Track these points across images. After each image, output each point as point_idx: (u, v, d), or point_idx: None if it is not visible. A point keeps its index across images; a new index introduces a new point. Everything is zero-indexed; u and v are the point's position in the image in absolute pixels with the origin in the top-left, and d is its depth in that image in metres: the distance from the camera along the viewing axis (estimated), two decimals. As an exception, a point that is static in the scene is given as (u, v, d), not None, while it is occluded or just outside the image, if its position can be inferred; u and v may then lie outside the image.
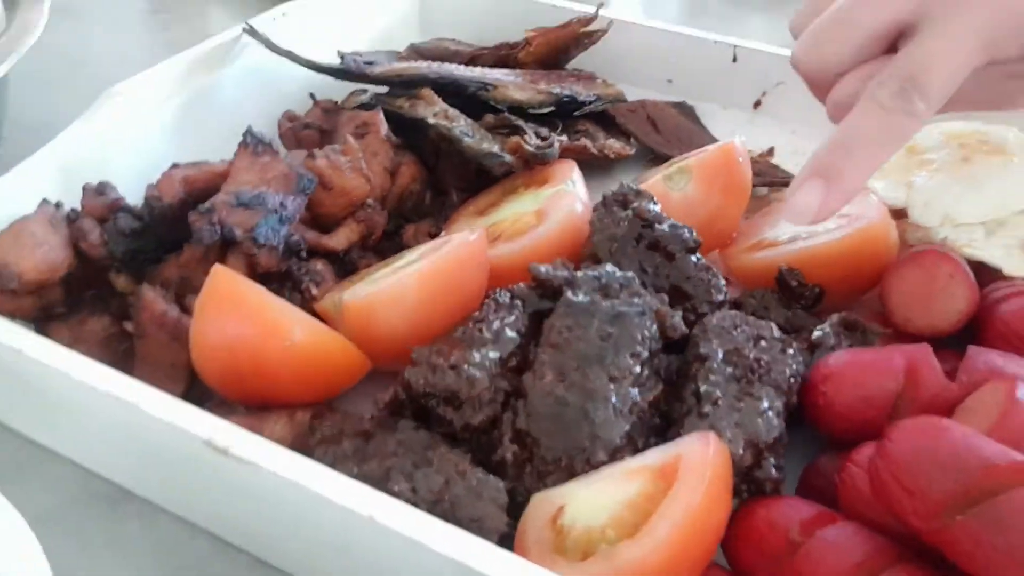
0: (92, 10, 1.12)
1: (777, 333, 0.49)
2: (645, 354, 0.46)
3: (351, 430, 0.47)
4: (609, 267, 0.50)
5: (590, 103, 0.79)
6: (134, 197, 0.60)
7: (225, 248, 0.56)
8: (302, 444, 0.48)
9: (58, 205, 0.57)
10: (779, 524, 0.40)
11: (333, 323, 0.54)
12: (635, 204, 0.56)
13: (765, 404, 0.44)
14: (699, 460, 0.39)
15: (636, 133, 0.78)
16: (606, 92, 0.81)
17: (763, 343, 0.48)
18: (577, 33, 0.82)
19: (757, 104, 0.83)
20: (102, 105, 0.67)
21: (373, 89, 0.77)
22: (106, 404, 0.46)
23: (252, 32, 0.76)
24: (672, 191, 0.63)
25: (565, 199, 0.61)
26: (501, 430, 0.45)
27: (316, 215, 0.63)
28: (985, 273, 0.56)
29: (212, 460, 0.43)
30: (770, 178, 0.72)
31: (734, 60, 0.83)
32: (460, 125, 0.68)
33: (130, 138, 0.68)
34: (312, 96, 0.79)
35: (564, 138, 0.69)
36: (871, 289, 0.60)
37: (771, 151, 0.79)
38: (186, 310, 0.54)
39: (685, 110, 0.83)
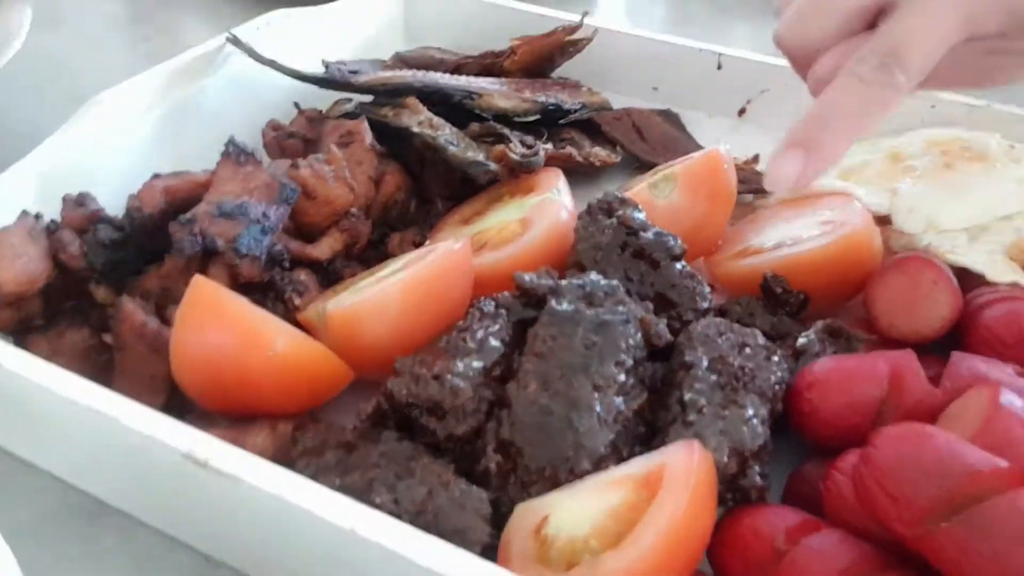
0: (74, 19, 1.11)
1: (762, 340, 0.49)
2: (630, 362, 0.46)
3: (333, 441, 0.46)
4: (593, 275, 0.50)
5: (575, 111, 0.79)
6: (116, 207, 0.60)
7: (207, 259, 0.56)
8: (284, 456, 0.48)
9: (38, 216, 0.57)
10: (764, 532, 0.40)
11: (316, 333, 0.54)
12: (620, 212, 0.56)
13: (750, 412, 0.44)
14: (683, 468, 0.39)
15: (622, 141, 0.78)
16: (591, 100, 0.81)
17: (748, 350, 0.47)
18: (562, 41, 0.82)
19: (742, 111, 0.83)
20: (84, 114, 0.67)
21: (358, 98, 0.77)
22: (85, 417, 0.45)
23: (235, 41, 0.76)
24: (657, 199, 0.63)
25: (550, 207, 0.61)
26: (485, 440, 0.45)
27: (300, 224, 0.62)
28: (968, 279, 0.57)
29: (192, 473, 0.43)
30: (755, 185, 0.72)
31: (719, 68, 0.83)
32: (445, 134, 0.68)
33: (112, 148, 0.67)
34: (296, 105, 0.78)
35: (549, 146, 0.69)
36: (855, 296, 0.60)
37: (756, 158, 0.79)
38: (166, 322, 0.53)
39: (670, 118, 0.83)
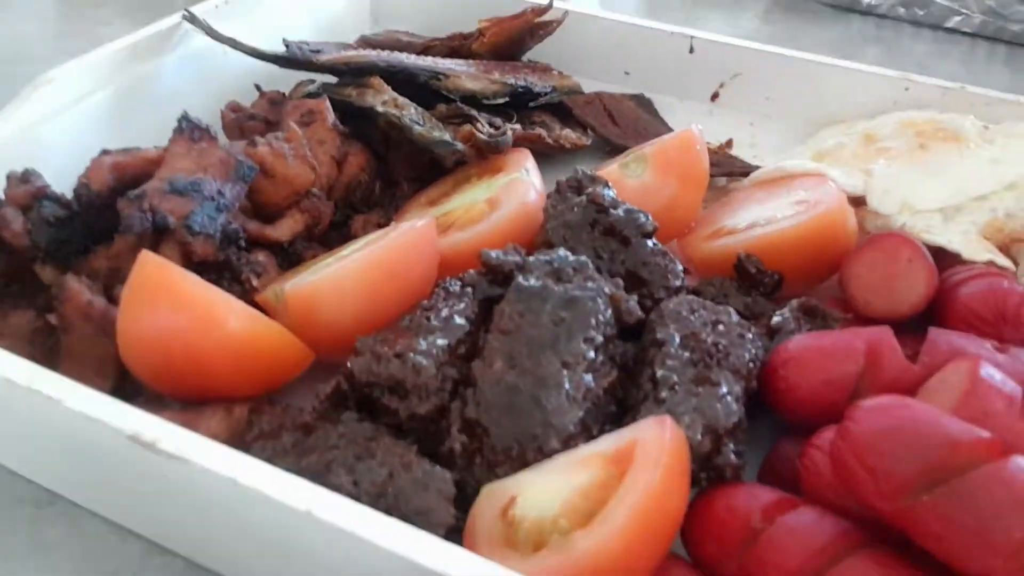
0: (28, 3, 1.08)
1: (735, 317, 0.47)
2: (599, 339, 0.44)
3: (291, 423, 0.44)
4: (562, 251, 0.48)
5: (546, 94, 0.77)
6: (65, 188, 0.57)
7: (158, 237, 0.54)
8: (240, 440, 0.46)
9: (-21, 193, 0.54)
10: (740, 511, 0.38)
11: (275, 314, 0.51)
12: (590, 189, 0.54)
13: (724, 389, 0.43)
14: (655, 445, 0.37)
15: (593, 124, 0.77)
16: (562, 84, 0.79)
17: (721, 327, 0.46)
18: (532, 23, 0.80)
19: (715, 96, 0.82)
20: (31, 93, 0.64)
21: (321, 79, 0.75)
22: (29, 401, 0.43)
23: (192, 19, 0.73)
24: (628, 178, 0.61)
25: (519, 187, 0.59)
26: (449, 420, 0.43)
27: (258, 205, 0.60)
28: (943, 258, 0.56)
29: (140, 457, 0.40)
30: (728, 168, 0.71)
31: (691, 51, 0.82)
32: (410, 113, 0.66)
33: (61, 129, 0.64)
34: (258, 87, 0.76)
35: (518, 127, 0.67)
36: (830, 276, 0.59)
37: (729, 143, 0.78)
38: (115, 302, 0.51)
39: (643, 102, 0.82)
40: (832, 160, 0.67)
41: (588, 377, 0.43)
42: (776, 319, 0.50)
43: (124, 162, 0.56)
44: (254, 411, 0.46)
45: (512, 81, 0.75)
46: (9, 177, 0.55)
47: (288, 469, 0.40)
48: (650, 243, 0.52)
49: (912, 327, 0.50)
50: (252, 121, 0.72)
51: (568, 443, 0.41)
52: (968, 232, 0.58)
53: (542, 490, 0.39)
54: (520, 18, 0.80)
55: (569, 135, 0.73)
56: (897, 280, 0.50)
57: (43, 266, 0.53)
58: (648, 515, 0.35)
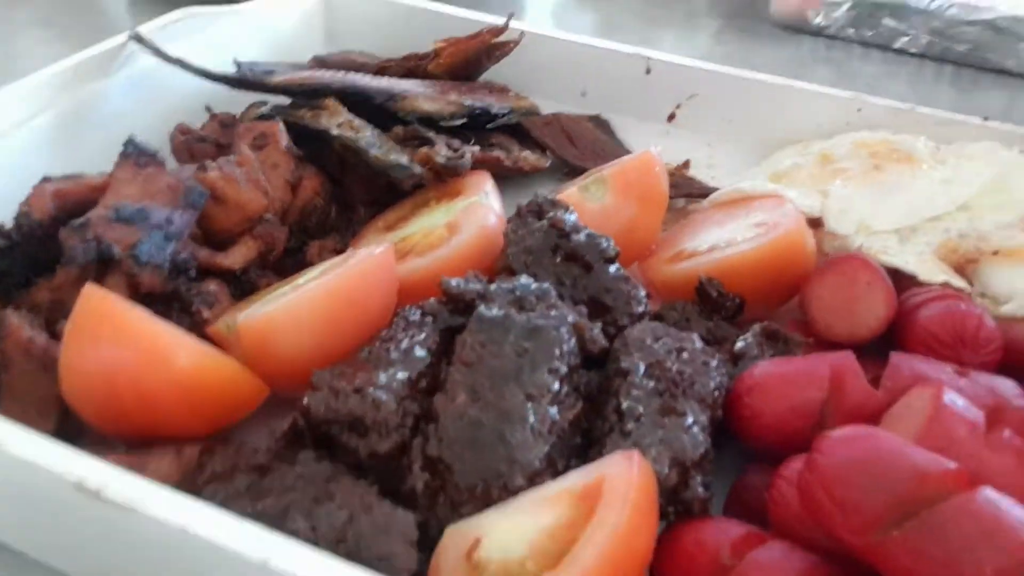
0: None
1: (699, 344, 0.47)
2: (564, 370, 0.43)
3: (245, 464, 0.42)
4: (524, 279, 0.47)
5: (504, 115, 0.76)
6: (6, 218, 0.54)
7: (103, 269, 0.51)
8: (191, 483, 0.44)
9: (-88, 224, 0.51)
10: (709, 546, 0.38)
11: (227, 347, 0.50)
12: (551, 214, 0.53)
13: (690, 419, 0.42)
14: (622, 481, 0.37)
15: (551, 146, 0.76)
16: (519, 105, 0.79)
17: (685, 355, 0.45)
18: (488, 43, 0.79)
19: (671, 117, 0.82)
20: (-33, 117, 0.62)
21: (274, 101, 0.73)
22: (-37, 444, 0.41)
23: (139, 39, 0.71)
24: (588, 202, 0.61)
25: (478, 211, 0.59)
26: (411, 457, 0.41)
27: (209, 231, 0.58)
28: (900, 279, 0.56)
29: (86, 505, 0.38)
30: (687, 190, 0.71)
31: (647, 72, 0.82)
32: (366, 136, 0.65)
33: (0, 154, 0.62)
34: (208, 108, 0.74)
35: (476, 149, 0.67)
36: (790, 298, 0.59)
37: (687, 163, 0.78)
38: (57, 337, 0.48)
39: (600, 123, 0.82)
40: (789, 181, 0.68)
41: (553, 410, 0.42)
42: (740, 344, 0.49)
43: (67, 189, 0.54)
44: (206, 451, 0.45)
45: (469, 102, 0.74)
46: (-56, 207, 0.53)
47: (243, 514, 0.38)
48: (612, 268, 0.51)
49: (872, 350, 0.50)
50: (202, 144, 0.70)
51: (534, 480, 0.40)
52: (923, 253, 0.59)
53: (508, 531, 0.38)
54: (476, 38, 0.79)
55: (528, 157, 0.72)
56: (857, 303, 0.50)
57: (-20, 300, 0.51)
58: (617, 555, 0.35)
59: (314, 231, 0.65)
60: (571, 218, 0.53)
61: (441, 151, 0.65)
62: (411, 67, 0.79)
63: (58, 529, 0.42)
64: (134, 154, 0.55)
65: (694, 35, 1.22)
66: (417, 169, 0.63)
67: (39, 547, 0.45)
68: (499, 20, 0.83)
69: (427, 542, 0.40)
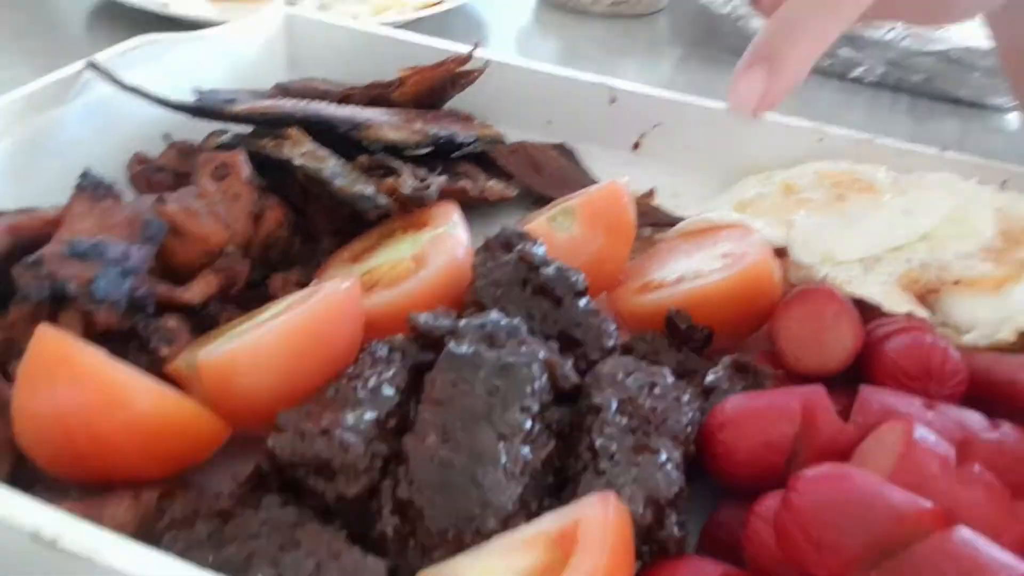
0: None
1: (671, 379, 0.47)
2: (536, 407, 0.43)
3: (206, 510, 0.41)
4: (494, 314, 0.47)
5: (469, 144, 0.76)
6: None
7: (57, 306, 0.50)
8: (149, 530, 0.42)
9: None
10: (686, 588, 0.37)
11: (187, 386, 0.48)
12: (519, 246, 0.53)
13: (663, 456, 0.42)
14: (598, 525, 0.36)
15: (517, 175, 0.76)
16: (484, 133, 0.78)
17: (657, 390, 0.45)
18: (453, 72, 0.79)
19: (636, 145, 0.83)
20: (-86, 147, 0.60)
21: (235, 130, 0.72)
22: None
23: (95, 67, 0.69)
24: (556, 232, 0.60)
25: (445, 243, 0.58)
26: (380, 501, 0.40)
27: (168, 265, 0.56)
28: (865, 310, 0.56)
29: (40, 556, 0.37)
30: (653, 219, 0.71)
31: (612, 101, 0.82)
32: (330, 166, 0.64)
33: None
34: (166, 137, 0.73)
35: (443, 179, 0.66)
36: (757, 329, 0.59)
37: (651, 192, 0.78)
38: (10, 379, 0.47)
39: (565, 152, 0.82)
40: (754, 211, 0.68)
41: (525, 449, 0.41)
42: (710, 378, 0.49)
43: (21, 224, 0.52)
44: (165, 496, 0.43)
45: (435, 131, 0.74)
46: None
47: (204, 563, 0.37)
48: (582, 302, 0.51)
49: (838, 381, 0.50)
50: (160, 173, 0.68)
51: (507, 523, 0.39)
52: (887, 283, 0.59)
53: (482, 574, 0.37)
54: (441, 67, 0.79)
55: (494, 186, 0.72)
56: (825, 335, 0.50)
57: (-72, 339, 0.49)
58: (595, 602, 0.34)
59: (277, 263, 0.63)
60: (540, 251, 0.53)
61: (407, 181, 0.64)
62: (375, 95, 0.79)
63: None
64: (90, 186, 0.53)
65: (657, 63, 1.23)
66: (383, 200, 0.62)
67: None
68: (463, 48, 0.83)
69: (397, 588, 0.39)
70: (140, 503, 0.43)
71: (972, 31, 1.02)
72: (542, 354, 0.45)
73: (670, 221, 0.70)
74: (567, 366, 0.46)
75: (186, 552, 0.39)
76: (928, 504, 0.34)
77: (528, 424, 0.42)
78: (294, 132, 0.67)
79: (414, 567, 0.39)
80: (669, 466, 0.41)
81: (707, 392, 0.49)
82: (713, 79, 1.13)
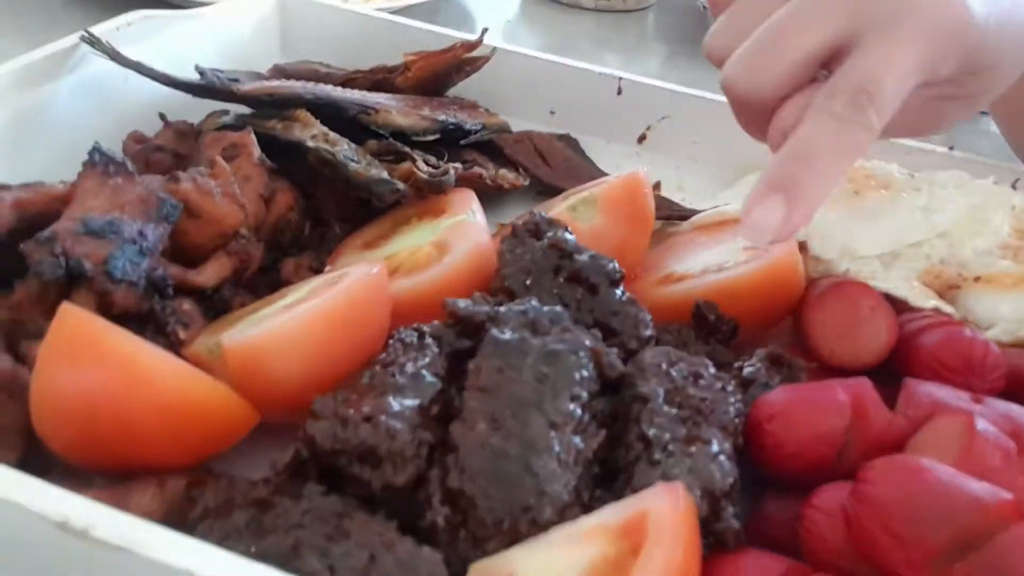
0: None
1: (713, 370, 0.46)
2: (585, 396, 0.41)
3: (242, 499, 0.39)
4: (535, 301, 0.45)
5: (476, 132, 0.74)
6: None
7: (68, 286, 0.47)
8: (176, 519, 0.40)
9: None
10: (750, 581, 0.36)
11: (208, 371, 0.46)
12: (550, 233, 0.51)
13: (715, 447, 0.41)
14: (669, 517, 0.35)
15: (526, 165, 0.74)
16: (490, 122, 0.77)
17: (702, 381, 0.44)
18: (460, 58, 0.77)
19: (642, 138, 0.82)
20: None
21: (235, 111, 0.70)
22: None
23: (92, 41, 0.66)
24: (578, 222, 0.59)
25: (468, 229, 0.56)
26: (428, 490, 0.39)
27: (179, 247, 0.54)
28: (892, 304, 0.56)
29: (70, 547, 0.34)
30: (666, 211, 0.70)
31: (619, 93, 0.81)
32: (343, 149, 0.62)
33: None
34: (162, 116, 0.70)
35: (459, 166, 0.64)
36: (779, 322, 0.58)
37: (657, 185, 0.77)
38: (21, 360, 0.44)
39: (570, 142, 0.81)
40: (768, 205, 0.68)
41: (577, 439, 0.40)
42: (748, 370, 0.48)
43: (27, 199, 0.49)
44: (194, 485, 0.41)
45: (443, 118, 0.72)
46: None
47: (246, 554, 0.35)
48: (618, 291, 0.50)
49: (868, 376, 0.50)
50: (160, 153, 0.66)
51: (563, 513, 0.38)
52: (908, 279, 0.59)
53: (542, 567, 0.35)
54: (449, 53, 0.77)
55: (506, 175, 0.71)
56: (861, 329, 0.50)
57: (-70, 319, 0.46)
58: (671, 594, 0.33)
59: (287, 248, 0.61)
60: (571, 238, 0.52)
61: (423, 167, 0.62)
62: (379, 80, 0.77)
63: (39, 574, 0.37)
64: (101, 163, 0.51)
65: (645, 59, 1.23)
66: (400, 185, 0.60)
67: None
68: (457, 35, 0.81)
69: (447, 581, 0.37)
70: (165, 491, 0.41)
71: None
72: (588, 342, 0.43)
73: (684, 214, 0.70)
74: (612, 355, 0.44)
75: (223, 542, 0.37)
76: (1008, 495, 0.33)
77: (579, 413, 0.41)
78: (303, 114, 0.65)
79: (465, 559, 0.37)
80: (722, 457, 0.40)
81: (745, 384, 0.48)
82: (702, 76, 1.12)
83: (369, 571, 0.35)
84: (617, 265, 0.51)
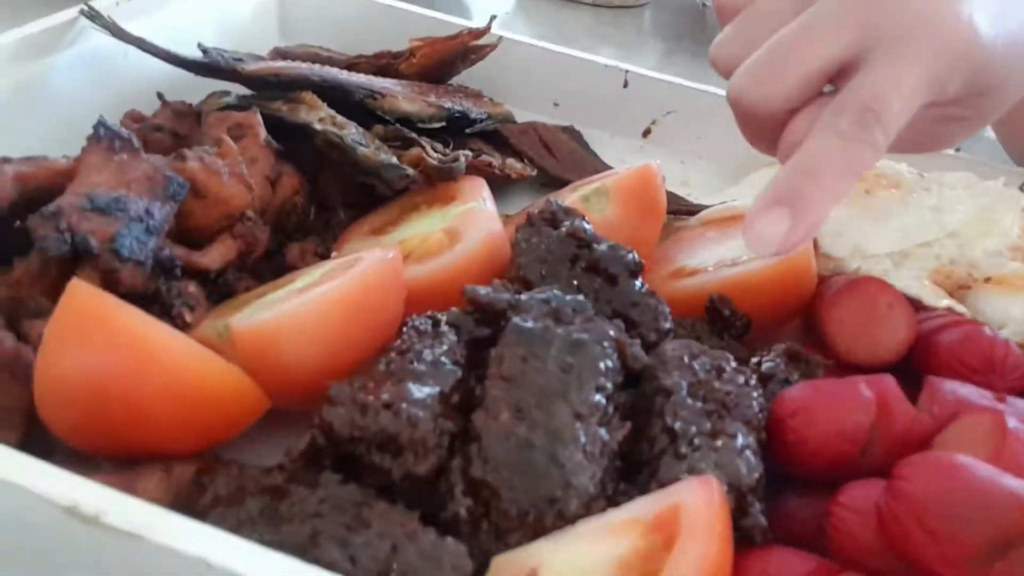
0: None
1: (734, 364, 0.45)
2: (609, 387, 0.40)
3: (256, 486, 0.37)
4: (556, 290, 0.44)
5: (482, 121, 0.73)
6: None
7: (72, 263, 0.45)
8: (183, 508, 0.38)
9: None
10: (779, 579, 0.35)
11: (216, 355, 0.44)
12: (567, 222, 0.50)
13: (741, 441, 0.40)
14: (704, 510, 0.34)
15: (531, 155, 0.73)
16: (496, 111, 0.76)
17: (725, 375, 0.43)
18: (466, 45, 0.76)
19: (647, 132, 0.81)
20: None
21: (236, 91, 0.68)
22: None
23: (92, 15, 0.64)
24: (590, 213, 0.58)
25: (480, 217, 0.55)
26: (450, 481, 0.37)
27: (183, 228, 0.52)
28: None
29: (78, 533, 0.33)
30: (674, 206, 0.70)
31: (625, 86, 0.80)
32: (351, 133, 0.61)
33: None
34: (160, 96, 0.68)
35: (469, 154, 0.63)
36: (792, 319, 0.58)
37: (662, 180, 0.77)
38: (23, 339, 0.42)
39: (574, 135, 0.80)
40: (776, 202, 0.67)
41: (602, 431, 0.39)
42: (767, 365, 0.48)
43: (29, 173, 0.47)
44: (204, 471, 0.40)
45: (449, 105, 0.71)
46: None
47: (261, 542, 0.34)
48: (637, 282, 0.49)
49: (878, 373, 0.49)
50: (158, 133, 0.64)
51: (590, 506, 0.37)
52: (920, 278, 0.59)
53: (571, 561, 0.34)
54: (456, 40, 0.76)
55: (514, 165, 0.70)
56: (879, 326, 0.49)
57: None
58: (708, 588, 0.32)
59: (292, 233, 0.60)
60: (589, 227, 0.51)
61: (433, 154, 0.61)
62: (382, 65, 0.75)
63: (43, 565, 0.36)
64: (106, 138, 0.49)
65: (642, 56, 1.22)
66: (410, 171, 0.59)
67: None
68: (460, 22, 0.80)
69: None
70: (172, 478, 0.40)
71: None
72: (612, 332, 0.42)
73: (691, 209, 0.69)
74: (636, 346, 0.44)
75: (236, 531, 0.35)
76: (1047, 493, 0.33)
77: (604, 403, 0.40)
78: (309, 96, 0.63)
79: (487, 551, 0.36)
80: (748, 452, 0.40)
81: (764, 379, 0.47)
82: (699, 73, 1.12)
83: (391, 562, 0.34)
84: (636, 256, 0.50)
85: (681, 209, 0.70)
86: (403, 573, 0.33)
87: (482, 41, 0.77)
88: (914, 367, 0.49)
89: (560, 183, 0.72)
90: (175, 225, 0.52)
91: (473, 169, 0.63)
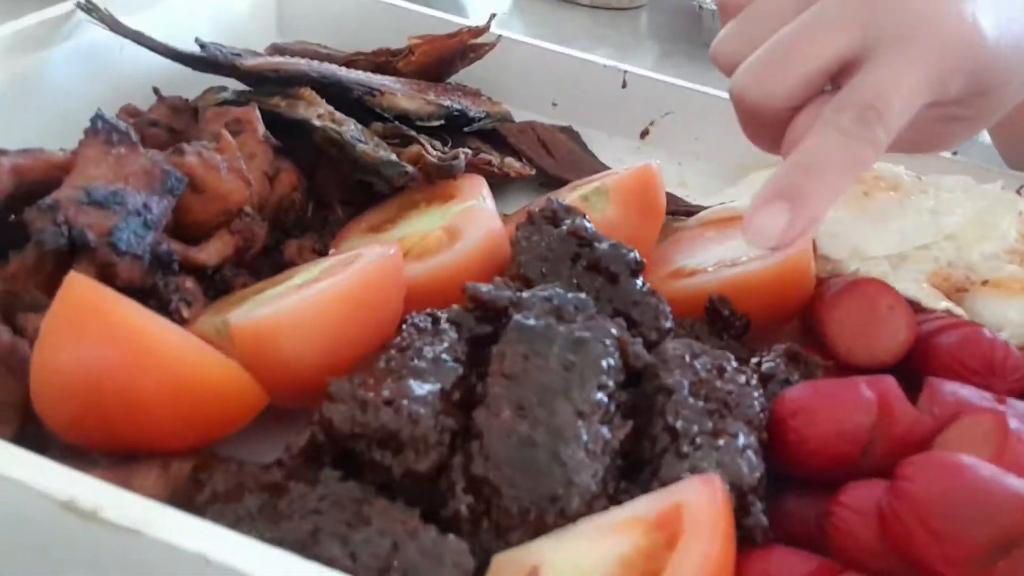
0: None
1: (735, 364, 0.45)
2: (611, 385, 0.40)
3: (254, 483, 0.37)
4: (558, 288, 0.44)
5: (481, 119, 0.73)
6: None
7: (69, 257, 0.45)
8: (180, 504, 0.38)
9: None
10: (780, 579, 0.35)
11: (213, 351, 0.44)
12: (568, 221, 0.50)
13: (742, 441, 0.40)
14: (707, 509, 0.34)
15: (529, 155, 0.73)
16: (494, 110, 0.75)
17: (726, 374, 0.43)
18: (466, 43, 0.76)
19: (645, 133, 0.81)
20: None
21: (233, 87, 0.68)
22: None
23: (89, 8, 0.64)
24: (590, 212, 0.58)
25: (479, 215, 0.55)
26: (451, 478, 0.37)
27: (180, 223, 0.52)
28: (905, 305, 0.56)
29: (74, 528, 0.32)
30: (672, 207, 0.70)
31: (623, 86, 0.80)
32: (350, 130, 0.60)
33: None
34: (156, 90, 0.68)
35: (468, 151, 0.63)
36: (790, 320, 0.58)
37: (660, 180, 0.76)
38: (19, 332, 0.42)
39: (572, 135, 0.80)
40: (774, 203, 0.67)
41: (604, 429, 0.39)
42: (768, 365, 0.48)
43: (26, 165, 0.47)
44: (201, 468, 0.39)
45: (448, 103, 0.71)
46: None
47: (261, 539, 0.33)
48: (638, 281, 0.49)
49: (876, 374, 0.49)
50: (154, 128, 0.63)
51: (591, 504, 0.36)
52: (918, 280, 0.59)
53: (573, 560, 0.34)
54: (455, 38, 0.75)
55: (513, 163, 0.69)
56: (879, 328, 0.49)
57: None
58: (711, 587, 0.32)
59: (289, 229, 0.59)
60: (590, 226, 0.51)
61: (432, 151, 0.61)
62: (381, 62, 0.75)
63: (40, 561, 0.35)
64: (104, 131, 0.49)
65: (639, 58, 1.22)
66: (409, 168, 0.59)
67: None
68: (457, 20, 0.80)
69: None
70: (169, 474, 0.39)
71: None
72: (614, 331, 0.42)
73: (689, 210, 0.69)
74: (638, 345, 0.43)
75: (235, 527, 0.35)
76: (1050, 493, 0.33)
77: (605, 402, 0.40)
78: (307, 92, 0.63)
79: (488, 549, 0.36)
80: (749, 451, 0.40)
81: (764, 380, 0.47)
82: (695, 74, 1.12)
83: (392, 559, 0.33)
84: (638, 255, 0.50)
85: (679, 210, 0.70)
86: (404, 570, 0.33)
87: (481, 40, 0.77)
88: (913, 369, 0.49)
89: (558, 183, 0.71)
90: (172, 220, 0.51)
91: (472, 167, 0.63)
